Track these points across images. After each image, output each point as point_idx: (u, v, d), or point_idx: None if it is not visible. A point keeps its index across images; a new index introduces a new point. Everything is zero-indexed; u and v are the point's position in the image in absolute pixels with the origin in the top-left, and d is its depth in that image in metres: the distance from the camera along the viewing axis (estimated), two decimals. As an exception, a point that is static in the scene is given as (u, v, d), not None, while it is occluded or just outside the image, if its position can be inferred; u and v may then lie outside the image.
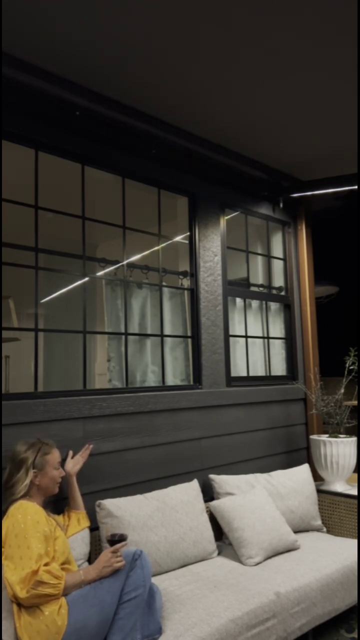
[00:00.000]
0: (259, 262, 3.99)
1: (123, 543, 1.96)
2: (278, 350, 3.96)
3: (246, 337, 3.70)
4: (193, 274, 3.27)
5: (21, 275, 2.97)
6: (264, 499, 2.89)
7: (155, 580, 2.33)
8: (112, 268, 3.01)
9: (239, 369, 3.63)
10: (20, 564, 1.77)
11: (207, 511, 2.87)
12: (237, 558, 2.66)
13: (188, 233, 3.33)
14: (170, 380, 3.18)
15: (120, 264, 2.99)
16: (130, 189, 3.04)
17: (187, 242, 3.34)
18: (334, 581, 2.50)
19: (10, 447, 2.18)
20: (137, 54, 2.33)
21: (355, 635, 2.59)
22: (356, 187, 3.57)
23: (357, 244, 5.21)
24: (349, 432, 3.71)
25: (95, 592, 1.85)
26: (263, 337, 3.86)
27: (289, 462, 3.68)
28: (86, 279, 2.84)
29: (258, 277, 3.97)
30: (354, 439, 3.36)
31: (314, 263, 4.14)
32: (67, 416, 2.49)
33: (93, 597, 1.84)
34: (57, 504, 2.34)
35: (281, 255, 4.05)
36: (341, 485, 3.36)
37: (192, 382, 3.23)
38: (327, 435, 3.46)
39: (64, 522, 2.27)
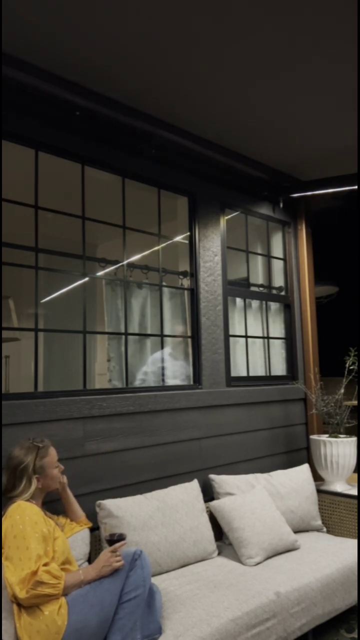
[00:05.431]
0: (259, 262, 3.99)
1: (122, 542, 1.97)
2: (278, 350, 3.96)
3: (246, 337, 3.70)
4: (193, 274, 3.27)
5: (21, 275, 2.97)
6: (264, 499, 2.89)
7: (155, 580, 2.33)
8: (112, 268, 3.01)
9: (239, 369, 3.63)
10: (19, 565, 1.77)
11: (207, 511, 2.87)
12: (237, 558, 2.66)
13: (188, 233, 3.33)
14: (170, 380, 3.18)
15: (120, 264, 2.99)
16: (130, 189, 3.04)
17: (187, 242, 3.34)
18: (334, 581, 2.50)
19: (10, 447, 2.18)
20: (137, 54, 2.33)
21: (355, 635, 2.59)
22: (356, 187, 3.57)
23: (357, 244, 5.21)
24: (349, 432, 3.71)
25: (95, 592, 1.85)
26: (263, 337, 3.86)
27: (289, 462, 3.68)
28: (86, 279, 2.84)
29: (258, 277, 3.97)
30: (354, 439, 3.36)
31: (314, 263, 4.14)
32: (67, 416, 2.49)
33: (93, 597, 1.84)
34: (57, 504, 2.34)
35: (281, 255, 4.05)
36: (341, 485, 3.36)
37: (192, 382, 3.23)
38: (327, 435, 3.46)
39: (64, 521, 2.27)
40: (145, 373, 3.06)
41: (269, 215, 3.87)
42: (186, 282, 3.29)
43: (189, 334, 3.26)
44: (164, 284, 3.19)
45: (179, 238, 3.39)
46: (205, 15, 2.10)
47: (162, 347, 3.16)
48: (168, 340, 3.21)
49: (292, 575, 2.42)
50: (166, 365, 3.16)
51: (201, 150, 3.14)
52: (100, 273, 3.02)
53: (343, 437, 3.35)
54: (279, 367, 3.94)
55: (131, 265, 3.05)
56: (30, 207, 2.57)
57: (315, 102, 2.80)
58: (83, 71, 2.44)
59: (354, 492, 3.22)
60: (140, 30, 2.18)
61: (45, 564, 1.79)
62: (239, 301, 3.68)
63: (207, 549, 2.66)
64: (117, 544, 1.95)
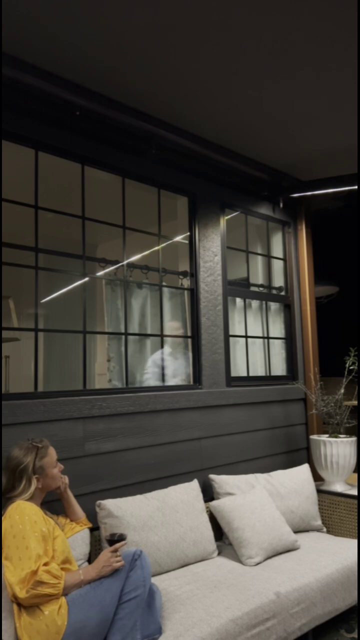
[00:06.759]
0: (259, 262, 3.99)
1: (122, 542, 1.97)
2: (278, 350, 3.96)
3: (246, 337, 3.70)
4: (193, 274, 3.27)
5: (21, 275, 2.97)
6: (264, 499, 2.89)
7: (155, 580, 2.33)
8: (112, 268, 3.01)
9: (239, 369, 3.63)
10: (19, 565, 1.77)
11: (207, 511, 2.87)
12: (237, 558, 2.66)
13: (188, 233, 3.33)
14: (170, 380, 3.18)
15: (120, 264, 2.99)
16: (130, 189, 3.04)
17: (187, 242, 3.34)
18: (334, 581, 2.50)
19: (10, 447, 2.18)
20: (137, 54, 2.33)
21: (355, 635, 2.59)
22: (356, 187, 3.57)
23: (357, 244, 5.21)
24: (349, 432, 3.71)
25: (95, 592, 1.85)
26: (263, 337, 3.86)
27: (289, 462, 3.68)
28: (86, 279, 2.84)
29: (258, 277, 3.97)
30: (354, 439, 3.36)
31: (314, 263, 4.14)
32: (67, 416, 2.49)
33: (93, 596, 1.84)
34: (57, 504, 2.34)
35: (281, 255, 4.05)
36: (341, 485, 3.36)
37: (192, 382, 3.23)
38: (327, 435, 3.46)
39: (64, 521, 2.27)
40: (143, 374, 3.06)
41: (269, 215, 3.87)
42: (186, 282, 3.29)
43: (189, 333, 3.26)
44: (164, 284, 3.19)
45: (179, 238, 3.39)
46: (208, 17, 2.10)
47: (162, 347, 3.16)
48: (163, 339, 3.21)
49: (292, 575, 2.42)
50: (164, 364, 3.16)
51: (201, 150, 3.14)
52: (100, 273, 3.02)
53: (343, 437, 3.35)
54: (279, 367, 3.94)
55: (131, 265, 3.05)
56: (30, 207, 2.57)
57: (315, 102, 2.80)
58: (83, 71, 2.44)
59: (354, 492, 3.22)
60: (141, 31, 2.18)
61: (45, 564, 1.79)
62: (239, 301, 3.68)
63: (207, 549, 2.66)
64: (117, 544, 1.95)
